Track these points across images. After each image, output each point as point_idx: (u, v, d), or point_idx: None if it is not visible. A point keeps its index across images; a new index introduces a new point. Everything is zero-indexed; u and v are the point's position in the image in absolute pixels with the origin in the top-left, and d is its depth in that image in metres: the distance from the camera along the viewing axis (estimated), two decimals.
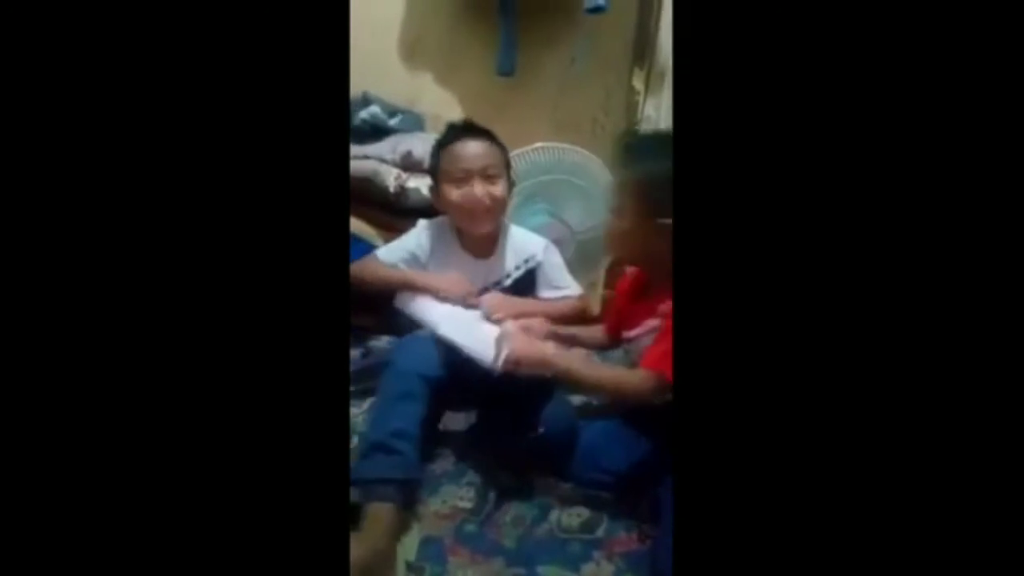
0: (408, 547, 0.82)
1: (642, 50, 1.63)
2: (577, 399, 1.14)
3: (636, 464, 0.92)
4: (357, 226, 1.47)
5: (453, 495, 0.94)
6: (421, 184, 1.41)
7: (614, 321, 1.09)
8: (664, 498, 0.83)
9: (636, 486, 0.92)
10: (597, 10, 1.51)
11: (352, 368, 1.23)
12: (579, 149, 1.46)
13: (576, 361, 0.97)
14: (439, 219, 1.21)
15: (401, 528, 0.83)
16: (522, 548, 0.84)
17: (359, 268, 1.14)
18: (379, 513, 0.80)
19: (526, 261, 1.22)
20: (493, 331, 0.96)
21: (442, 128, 1.20)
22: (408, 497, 0.87)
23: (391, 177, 1.44)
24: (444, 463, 1.01)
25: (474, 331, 0.99)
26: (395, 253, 1.18)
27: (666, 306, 0.90)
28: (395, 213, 1.45)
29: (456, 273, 1.15)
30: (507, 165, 1.17)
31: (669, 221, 0.83)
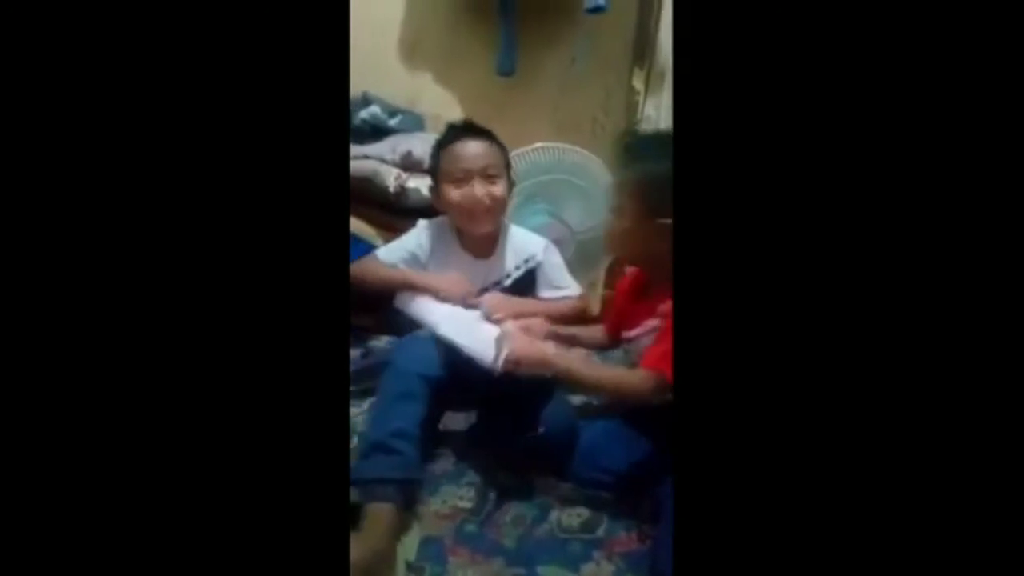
0: (408, 547, 0.82)
1: (642, 50, 1.63)
2: (577, 399, 1.14)
3: (636, 464, 0.92)
4: (357, 226, 1.47)
5: (453, 495, 0.94)
6: (421, 184, 1.41)
7: (614, 321, 1.09)
8: (664, 498, 0.83)
9: (636, 486, 0.92)
10: (597, 10, 1.51)
11: (352, 368, 1.23)
12: (579, 149, 1.47)
13: (576, 361, 0.97)
14: (439, 219, 1.21)
15: (401, 528, 0.83)
16: (522, 548, 0.84)
17: (359, 268, 1.14)
18: (379, 513, 0.80)
19: (526, 261, 1.22)
20: (493, 331, 0.96)
21: (442, 128, 1.20)
22: (408, 497, 0.87)
23: (391, 177, 1.44)
24: (444, 463, 1.01)
25: (474, 331, 0.99)
26: (395, 253, 1.18)
27: (666, 306, 0.90)
28: (395, 213, 1.45)
29: (456, 273, 1.15)
30: (507, 165, 1.17)
31: (669, 221, 0.83)
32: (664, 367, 0.84)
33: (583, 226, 1.51)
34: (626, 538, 0.87)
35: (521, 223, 1.31)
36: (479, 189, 1.09)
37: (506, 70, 1.69)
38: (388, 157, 1.48)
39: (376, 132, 1.59)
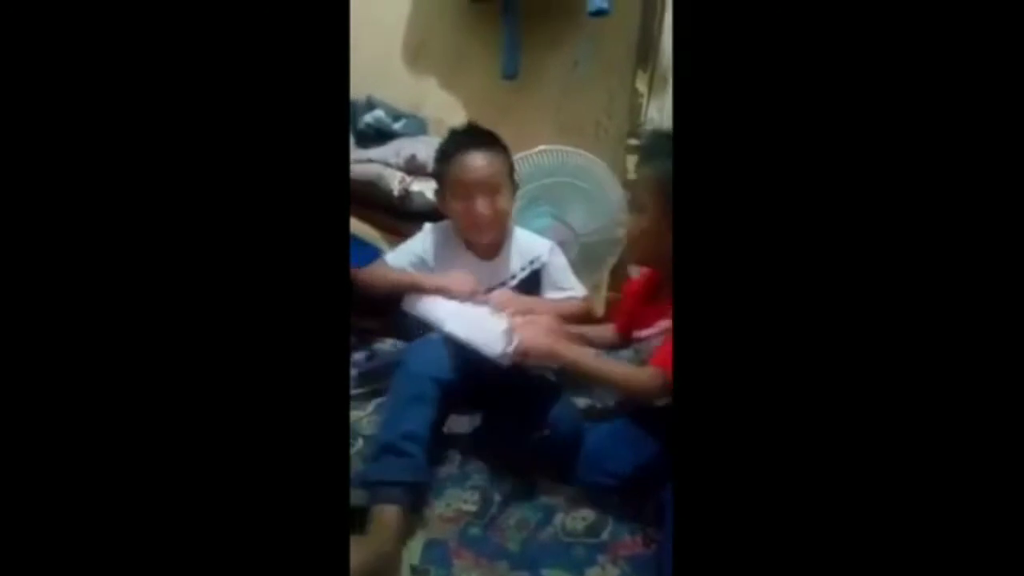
0: (412, 550, 0.82)
1: (645, 53, 1.63)
2: (582, 402, 1.14)
3: (641, 467, 0.91)
4: (362, 230, 1.48)
5: (457, 498, 0.94)
6: (425, 188, 1.41)
7: (625, 321, 1.09)
8: (669, 501, 0.83)
9: (641, 489, 0.91)
10: (600, 13, 1.51)
11: (357, 371, 1.24)
12: (582, 152, 1.46)
13: (584, 354, 0.96)
14: (444, 223, 1.21)
15: (408, 532, 0.83)
16: (526, 551, 0.84)
17: (368, 274, 1.15)
18: (386, 516, 0.80)
19: (531, 262, 1.22)
20: (500, 324, 0.96)
21: (445, 132, 1.20)
22: (416, 500, 0.87)
23: (395, 181, 1.44)
24: (448, 466, 1.01)
25: (481, 325, 0.98)
26: (403, 257, 1.18)
27: None
28: (399, 216, 1.46)
29: (463, 271, 1.15)
30: (511, 171, 1.17)
31: None
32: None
33: (587, 229, 1.51)
34: (631, 542, 0.86)
35: (525, 226, 1.31)
36: (481, 204, 1.09)
37: (509, 73, 1.69)
38: (392, 161, 1.49)
39: (380, 136, 1.60)
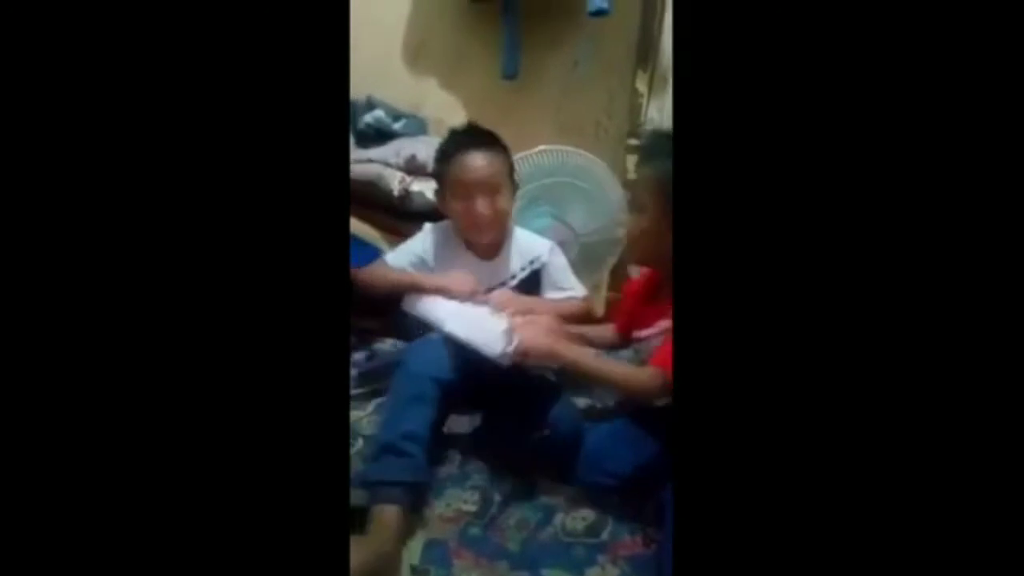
0: (412, 550, 0.82)
1: (645, 53, 1.63)
2: (582, 402, 1.14)
3: (642, 467, 0.91)
4: (362, 229, 1.48)
5: (457, 498, 0.94)
6: (425, 188, 1.41)
7: (625, 321, 1.09)
8: (669, 502, 0.83)
9: (642, 489, 0.91)
10: (600, 13, 1.51)
11: (357, 371, 1.24)
12: (582, 152, 1.46)
13: (584, 354, 0.96)
14: (444, 223, 1.21)
15: (408, 532, 0.83)
16: (526, 552, 0.84)
17: (368, 274, 1.15)
18: (386, 516, 0.80)
19: (531, 262, 1.22)
20: (500, 323, 0.96)
21: (445, 132, 1.20)
22: (416, 500, 0.87)
23: (395, 181, 1.45)
24: (448, 466, 1.01)
25: (481, 325, 0.98)
26: (403, 257, 1.18)
27: None
28: (399, 216, 1.46)
29: (463, 271, 1.15)
30: (511, 171, 1.17)
31: None
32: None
33: (586, 229, 1.51)
34: (631, 542, 0.86)
35: (524, 226, 1.31)
36: (481, 204, 1.09)
37: (509, 73, 1.69)
38: (392, 161, 1.49)
39: (380, 136, 1.60)
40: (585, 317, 1.22)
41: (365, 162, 1.50)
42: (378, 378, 1.20)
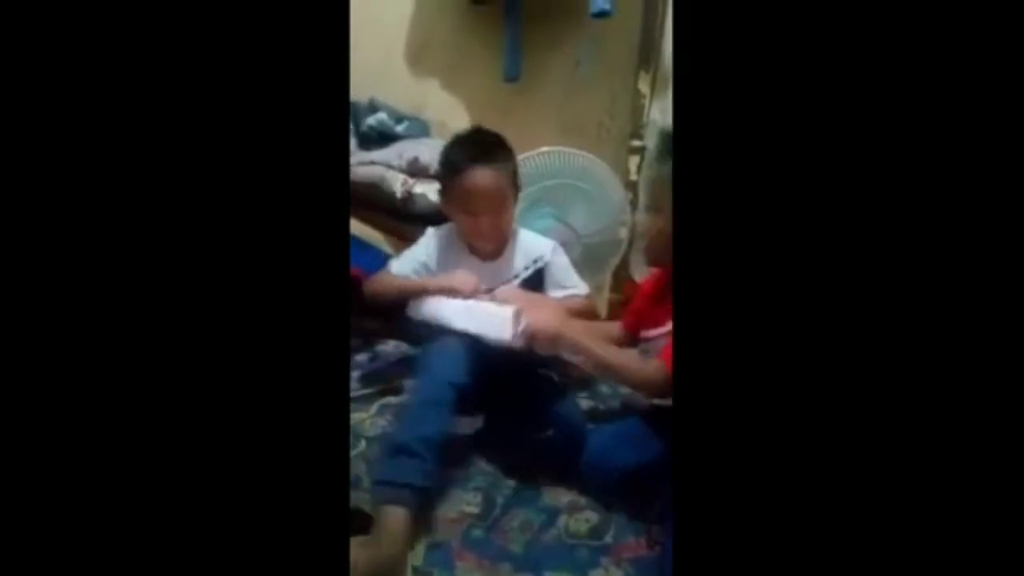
0: (415, 552, 0.82)
1: (647, 54, 1.63)
2: (586, 403, 1.13)
3: (645, 468, 0.91)
4: (365, 231, 1.48)
5: (460, 500, 0.94)
6: (428, 190, 1.41)
7: (633, 320, 1.09)
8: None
9: (645, 490, 0.91)
10: (602, 14, 1.51)
11: (360, 372, 1.24)
12: (584, 153, 1.46)
13: (591, 339, 0.95)
14: (447, 226, 1.21)
15: (414, 535, 0.83)
16: (529, 554, 0.84)
17: (374, 283, 1.16)
18: (393, 518, 0.80)
19: (535, 261, 1.22)
20: (508, 310, 0.96)
21: (448, 135, 1.20)
22: (423, 504, 0.87)
23: (398, 183, 1.45)
24: (452, 468, 1.01)
25: (489, 315, 0.98)
26: (407, 264, 1.19)
27: None
28: (402, 218, 1.46)
29: (466, 271, 1.15)
30: (515, 176, 1.17)
31: None
32: None
33: (589, 230, 1.51)
34: (634, 543, 0.86)
35: (527, 227, 1.31)
36: (486, 221, 1.10)
37: (511, 75, 1.69)
38: (395, 163, 1.49)
39: (383, 138, 1.60)
40: (589, 314, 1.22)
41: (368, 164, 1.50)
42: (381, 380, 1.20)
